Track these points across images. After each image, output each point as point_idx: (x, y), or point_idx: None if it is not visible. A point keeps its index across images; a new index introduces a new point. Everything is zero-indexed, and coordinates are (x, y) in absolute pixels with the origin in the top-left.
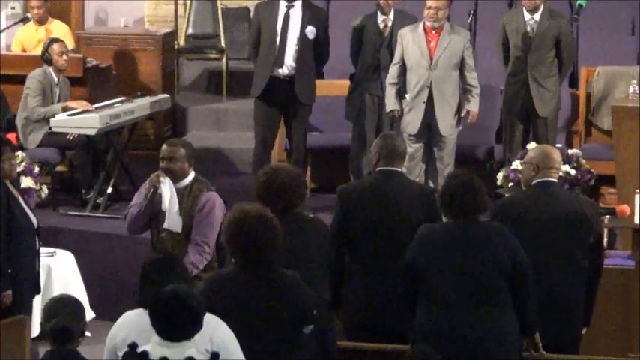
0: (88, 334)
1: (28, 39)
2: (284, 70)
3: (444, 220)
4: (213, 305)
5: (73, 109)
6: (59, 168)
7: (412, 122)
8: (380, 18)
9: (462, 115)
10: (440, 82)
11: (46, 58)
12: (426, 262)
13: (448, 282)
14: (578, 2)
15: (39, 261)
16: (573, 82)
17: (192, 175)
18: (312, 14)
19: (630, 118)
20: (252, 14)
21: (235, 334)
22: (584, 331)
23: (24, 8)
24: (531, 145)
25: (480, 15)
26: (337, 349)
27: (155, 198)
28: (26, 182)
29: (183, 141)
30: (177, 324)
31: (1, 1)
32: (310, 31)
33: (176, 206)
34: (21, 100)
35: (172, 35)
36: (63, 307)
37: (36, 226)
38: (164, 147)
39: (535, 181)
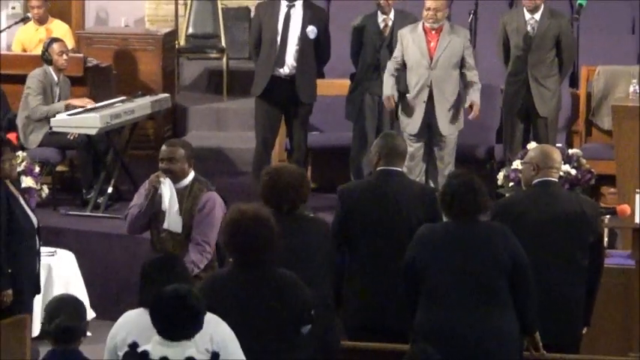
0: (88, 333)
1: (29, 39)
2: (285, 70)
3: (445, 219)
4: (211, 305)
5: (75, 106)
6: (60, 168)
7: (412, 122)
8: (380, 18)
9: (466, 106)
10: (440, 82)
11: (46, 58)
12: (426, 262)
13: (448, 282)
14: (579, 2)
15: (39, 261)
16: (574, 82)
17: (192, 175)
18: (313, 14)
19: (630, 118)
20: (252, 14)
21: None
22: (584, 330)
23: (24, 8)
24: (532, 145)
25: (480, 15)
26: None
27: (155, 198)
28: (27, 182)
29: (182, 141)
30: (177, 323)
31: (2, 0)
32: (311, 31)
33: (176, 206)
34: (21, 100)
35: (173, 35)
36: (65, 307)
37: (36, 225)
38: (163, 147)
39: (535, 181)
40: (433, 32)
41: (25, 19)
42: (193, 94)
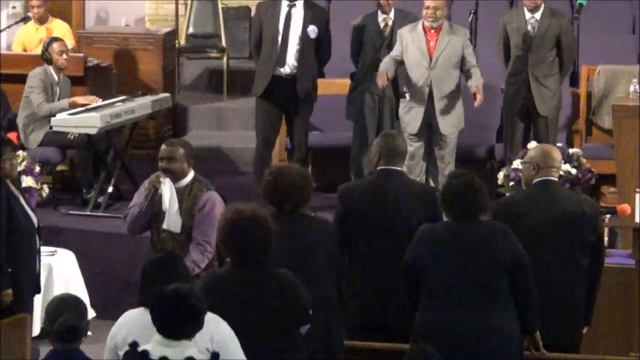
0: (89, 333)
1: (29, 38)
2: (286, 69)
3: (445, 219)
4: (210, 305)
5: (80, 104)
6: (60, 167)
7: (412, 122)
8: (380, 17)
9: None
10: (440, 82)
11: (45, 58)
12: (426, 262)
13: (449, 281)
14: (579, 1)
15: (39, 260)
16: (574, 81)
17: (191, 174)
18: (314, 13)
19: (631, 117)
20: (253, 13)
21: None
22: (584, 330)
23: (24, 7)
24: (532, 144)
25: (480, 14)
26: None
27: (155, 198)
28: (27, 181)
29: (182, 140)
30: (178, 323)
31: (2, 0)
32: (312, 30)
33: (176, 206)
34: (22, 100)
35: (173, 34)
36: (67, 306)
37: (36, 225)
38: (163, 147)
39: (535, 181)
40: (432, 31)
41: (25, 19)
42: (194, 94)
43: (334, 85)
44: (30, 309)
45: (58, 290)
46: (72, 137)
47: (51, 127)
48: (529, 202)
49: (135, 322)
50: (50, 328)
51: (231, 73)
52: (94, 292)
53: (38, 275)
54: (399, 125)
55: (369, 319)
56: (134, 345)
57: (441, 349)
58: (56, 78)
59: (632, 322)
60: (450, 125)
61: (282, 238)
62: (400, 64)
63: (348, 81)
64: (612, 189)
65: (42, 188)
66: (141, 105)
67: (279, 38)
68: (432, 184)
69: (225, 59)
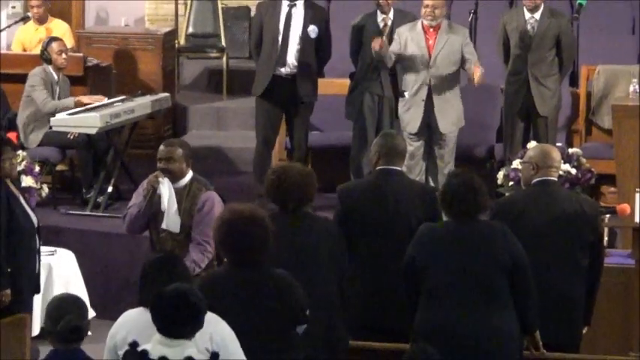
0: (89, 332)
1: (29, 38)
2: (286, 69)
3: (445, 219)
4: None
5: (85, 103)
6: (60, 167)
7: (412, 121)
8: (380, 17)
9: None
10: (439, 81)
11: (45, 57)
12: (426, 262)
13: (448, 281)
14: (579, 1)
15: (39, 260)
16: (574, 81)
17: (190, 174)
18: (315, 13)
19: (631, 117)
20: (252, 13)
21: None
22: (584, 330)
23: (24, 7)
24: (531, 144)
25: (480, 14)
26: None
27: (154, 198)
28: (27, 181)
29: (180, 141)
30: (178, 322)
31: (2, 0)
32: (312, 30)
33: (174, 206)
34: (22, 99)
35: (173, 34)
36: (70, 306)
37: (36, 225)
38: (161, 147)
39: (535, 180)
40: (432, 30)
41: (25, 19)
42: (193, 94)
43: (334, 85)
44: (29, 309)
45: (57, 290)
46: (72, 137)
47: (50, 127)
48: (528, 202)
49: (134, 322)
50: (52, 328)
51: (231, 72)
52: (93, 291)
53: (38, 275)
54: (398, 125)
55: (368, 318)
56: (134, 345)
57: (441, 349)
58: (56, 77)
59: (631, 322)
60: (450, 124)
61: (285, 237)
62: (396, 60)
63: (347, 81)
64: (612, 189)
65: (42, 188)
66: (140, 105)
67: (280, 38)
68: (431, 183)
69: (224, 59)
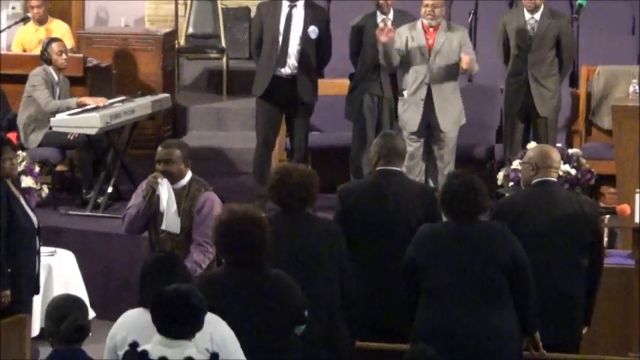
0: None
1: (28, 39)
2: (286, 70)
3: (444, 219)
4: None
5: (88, 104)
6: (59, 167)
7: (411, 119)
8: (379, 18)
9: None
10: (438, 80)
11: (45, 58)
12: (426, 262)
13: (448, 281)
14: (579, 2)
15: (39, 261)
16: (574, 82)
17: (189, 175)
18: (315, 14)
19: (630, 118)
20: (252, 14)
21: None
22: (584, 330)
23: (24, 8)
24: (531, 145)
25: (480, 14)
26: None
27: (153, 199)
28: (27, 182)
29: (178, 142)
30: (178, 322)
31: (2, 0)
32: (313, 31)
33: (174, 207)
34: (22, 100)
35: (173, 35)
36: (72, 307)
37: (36, 225)
38: (159, 149)
39: (535, 181)
40: (431, 30)
41: (25, 19)
42: (193, 94)
43: (334, 85)
44: (29, 309)
45: (57, 290)
46: (72, 137)
47: (50, 128)
48: (528, 203)
49: (134, 322)
50: (54, 329)
51: (231, 73)
52: (93, 292)
53: (38, 276)
54: (398, 125)
55: (368, 318)
56: (134, 345)
57: (441, 349)
58: (56, 78)
59: (631, 322)
60: (450, 123)
61: (285, 237)
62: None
63: (347, 81)
64: (612, 189)
65: (41, 188)
66: (140, 105)
67: (280, 39)
68: (431, 184)
69: (224, 59)
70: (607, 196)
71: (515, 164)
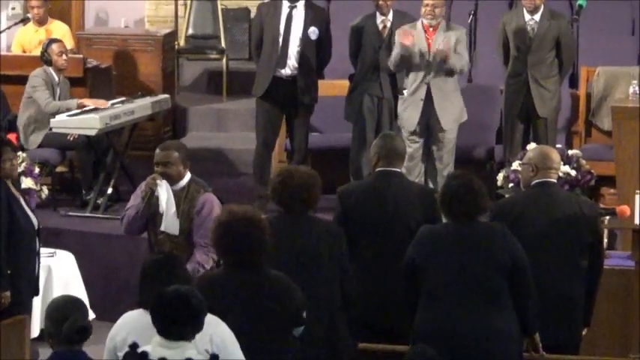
0: None
1: (28, 40)
2: (286, 71)
3: (444, 220)
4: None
5: (88, 106)
6: (59, 168)
7: (410, 118)
8: (379, 19)
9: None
10: (437, 78)
11: (45, 59)
12: (426, 263)
13: (448, 282)
14: (579, 2)
15: (39, 262)
16: (573, 83)
17: (188, 176)
18: (315, 15)
19: (630, 119)
20: (252, 14)
21: None
22: (584, 331)
23: (24, 9)
24: (531, 146)
25: (480, 15)
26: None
27: (152, 200)
28: (26, 183)
29: (176, 143)
30: (178, 324)
31: (1, 1)
32: (313, 32)
33: (173, 208)
34: (22, 101)
35: (172, 36)
36: (73, 307)
37: (36, 227)
38: (157, 151)
39: (534, 182)
40: (431, 30)
41: (24, 20)
42: (193, 95)
43: (333, 86)
44: (29, 311)
45: (57, 292)
46: (71, 138)
47: (50, 129)
48: (528, 204)
49: (134, 324)
50: (55, 330)
51: (231, 74)
52: (93, 293)
53: (37, 277)
54: (397, 126)
55: (368, 319)
56: (134, 346)
57: (441, 350)
58: (56, 79)
59: (631, 323)
60: (451, 121)
61: (288, 239)
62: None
63: (347, 82)
64: (612, 190)
65: (41, 189)
66: (140, 106)
67: (280, 39)
68: (430, 185)
69: (224, 60)
70: (607, 197)
71: (515, 165)
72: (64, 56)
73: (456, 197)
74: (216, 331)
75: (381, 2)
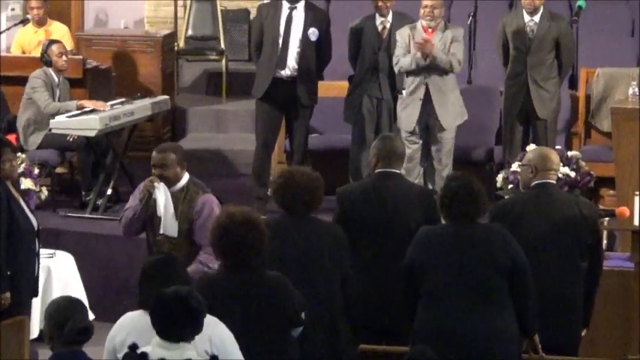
0: None
1: (28, 40)
2: (286, 72)
3: (443, 221)
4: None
5: (87, 108)
6: (59, 169)
7: (408, 118)
8: (378, 20)
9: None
10: (436, 78)
11: (45, 60)
12: (425, 264)
13: (448, 283)
14: (578, 4)
15: (39, 263)
16: (573, 84)
17: (186, 177)
18: (315, 16)
19: (630, 120)
20: (252, 15)
21: None
22: (583, 332)
23: (23, 9)
24: (531, 147)
25: (479, 16)
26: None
27: (150, 203)
28: (26, 184)
29: (172, 146)
30: (178, 325)
31: (1, 2)
32: (313, 33)
33: (171, 211)
34: (22, 102)
35: (172, 37)
36: (73, 308)
37: (36, 227)
38: (154, 154)
39: (534, 183)
40: (430, 30)
41: (24, 21)
42: (193, 96)
43: (333, 87)
44: (28, 311)
45: (56, 293)
46: (71, 139)
47: (50, 130)
48: (527, 205)
49: (134, 324)
50: (56, 331)
51: (230, 75)
52: (92, 294)
53: (37, 278)
54: (397, 127)
55: (368, 320)
56: (133, 347)
57: (440, 351)
58: (56, 80)
59: (631, 324)
60: (451, 119)
61: (290, 240)
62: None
63: (346, 83)
64: (611, 192)
65: (41, 190)
66: (140, 107)
67: (280, 40)
68: (429, 186)
69: (224, 61)
70: (606, 198)
71: (515, 166)
72: (64, 57)
73: (455, 198)
74: (215, 331)
75: (380, 3)
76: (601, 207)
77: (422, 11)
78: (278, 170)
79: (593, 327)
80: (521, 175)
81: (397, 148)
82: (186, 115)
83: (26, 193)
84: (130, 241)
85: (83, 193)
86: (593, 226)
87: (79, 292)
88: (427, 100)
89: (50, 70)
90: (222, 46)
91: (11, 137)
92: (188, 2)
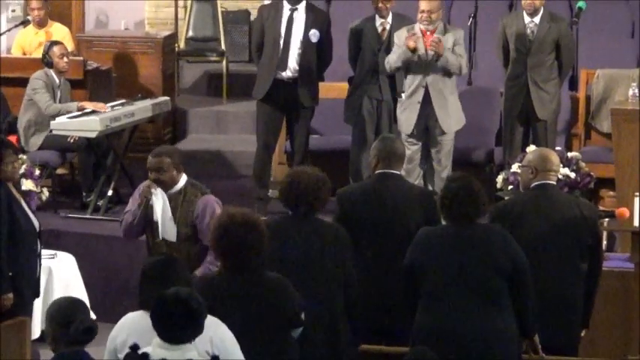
0: None
1: (28, 42)
2: (287, 73)
3: (443, 222)
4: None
5: (88, 109)
6: (59, 170)
7: (407, 121)
8: (378, 21)
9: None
10: (436, 81)
11: (46, 61)
12: (425, 265)
13: (448, 284)
14: (578, 5)
15: (40, 263)
16: (573, 85)
17: (183, 179)
18: (316, 17)
19: (630, 121)
20: (252, 17)
21: None
22: (583, 333)
23: (24, 11)
24: (531, 148)
25: (480, 18)
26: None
27: (148, 208)
28: (27, 185)
29: (168, 149)
30: (179, 327)
31: (1, 3)
32: (314, 34)
33: (169, 215)
34: (22, 103)
35: (173, 38)
36: (75, 308)
37: (37, 228)
38: (150, 158)
39: (534, 184)
40: (429, 33)
41: (25, 22)
42: (193, 97)
43: (333, 88)
44: (30, 312)
45: (58, 293)
46: (72, 140)
47: (51, 131)
48: (527, 206)
49: (135, 325)
50: (60, 331)
51: (231, 76)
52: (93, 295)
53: (38, 279)
54: (397, 129)
55: (368, 320)
56: (134, 347)
57: (440, 352)
58: (57, 81)
59: (630, 325)
60: (452, 123)
61: (291, 240)
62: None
63: (346, 85)
64: (611, 193)
65: (42, 191)
66: (140, 108)
67: (281, 42)
68: (429, 187)
69: (224, 63)
70: (606, 199)
71: (515, 167)
72: (65, 59)
73: (456, 199)
74: (216, 332)
75: (380, 5)
76: (601, 208)
77: (419, 16)
78: (279, 171)
79: (593, 327)
80: (521, 176)
81: (397, 150)
82: (186, 117)
83: (27, 194)
84: (131, 242)
85: (84, 194)
86: (593, 227)
87: (80, 292)
88: (426, 102)
89: (51, 72)
90: (223, 47)
91: (12, 138)
92: (188, 3)
